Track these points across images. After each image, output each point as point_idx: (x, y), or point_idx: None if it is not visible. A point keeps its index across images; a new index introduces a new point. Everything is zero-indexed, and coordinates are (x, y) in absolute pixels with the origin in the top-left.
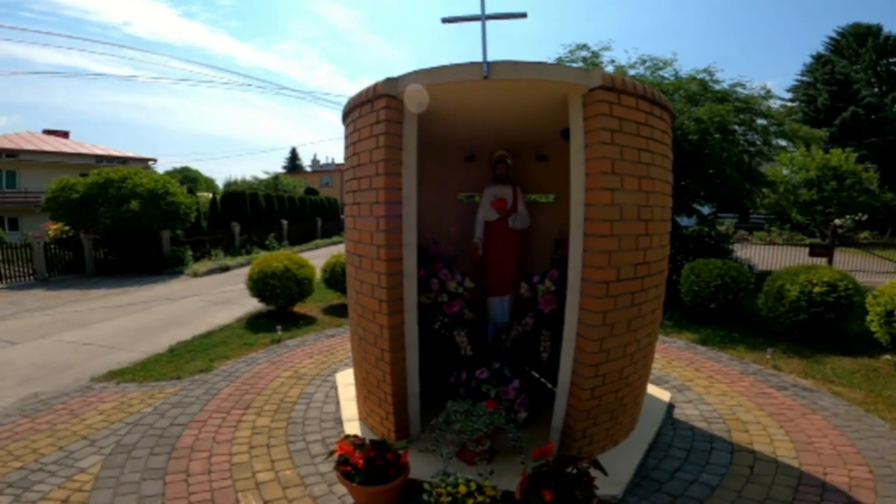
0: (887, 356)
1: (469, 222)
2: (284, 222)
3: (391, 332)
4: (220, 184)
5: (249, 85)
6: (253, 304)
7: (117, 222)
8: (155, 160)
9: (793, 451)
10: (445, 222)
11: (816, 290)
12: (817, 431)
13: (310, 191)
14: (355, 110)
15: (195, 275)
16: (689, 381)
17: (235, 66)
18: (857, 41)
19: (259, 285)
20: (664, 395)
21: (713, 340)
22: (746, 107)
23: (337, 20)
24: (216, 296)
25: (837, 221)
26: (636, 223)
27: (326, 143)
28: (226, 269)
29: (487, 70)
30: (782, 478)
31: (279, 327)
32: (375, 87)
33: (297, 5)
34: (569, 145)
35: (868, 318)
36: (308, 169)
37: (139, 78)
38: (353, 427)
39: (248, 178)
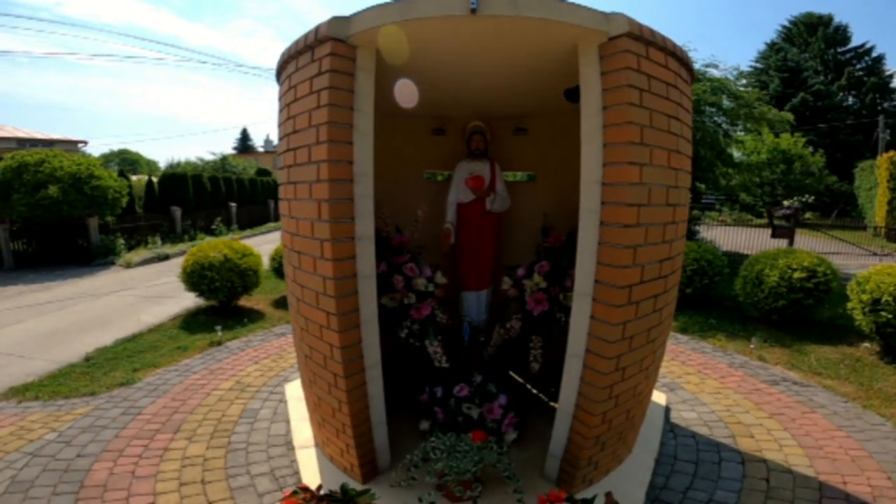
0: (866, 344)
1: (437, 205)
2: (233, 205)
3: (345, 352)
4: (163, 166)
5: (207, 62)
6: (192, 299)
7: (34, 210)
8: (85, 142)
9: (805, 459)
10: (409, 205)
11: (797, 275)
12: (823, 433)
13: (262, 172)
14: (291, 62)
15: (128, 265)
16: (679, 378)
17: (182, 46)
18: (808, 30)
19: (194, 278)
20: (660, 398)
21: (693, 328)
22: (721, 87)
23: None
24: (150, 289)
25: (786, 203)
26: (664, 209)
27: None
28: (164, 257)
29: (476, 1)
30: (803, 491)
31: (219, 327)
32: (318, 29)
33: None
34: (557, 116)
35: (850, 305)
36: (260, 149)
37: (74, 57)
38: (307, 457)
39: (193, 159)
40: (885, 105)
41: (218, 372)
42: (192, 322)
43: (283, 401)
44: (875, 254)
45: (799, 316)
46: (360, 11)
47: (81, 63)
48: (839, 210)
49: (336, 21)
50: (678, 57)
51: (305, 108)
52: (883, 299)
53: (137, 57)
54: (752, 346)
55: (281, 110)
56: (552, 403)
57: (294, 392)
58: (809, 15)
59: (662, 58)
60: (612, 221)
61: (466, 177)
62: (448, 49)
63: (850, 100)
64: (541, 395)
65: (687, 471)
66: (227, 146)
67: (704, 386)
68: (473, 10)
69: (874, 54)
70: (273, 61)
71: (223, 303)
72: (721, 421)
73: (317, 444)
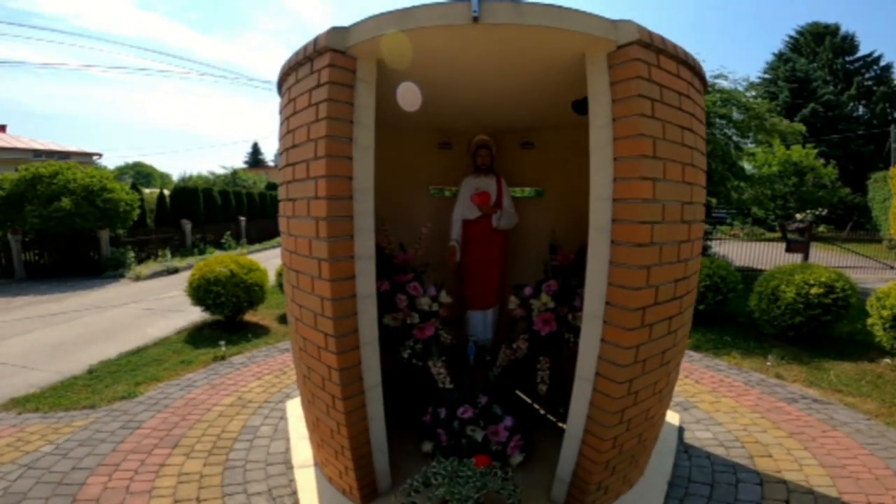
0: (887, 360)
1: (443, 221)
2: (242, 219)
3: (343, 374)
4: (176, 180)
5: (223, 76)
6: (198, 313)
7: (47, 221)
8: (100, 155)
9: (827, 479)
10: (413, 221)
11: (814, 291)
12: (845, 452)
13: (272, 186)
14: (290, 74)
15: (137, 278)
16: (693, 397)
17: (196, 59)
18: (815, 40)
19: (200, 293)
20: (673, 418)
21: (706, 346)
22: (730, 98)
23: (305, 13)
24: (158, 302)
25: (798, 216)
26: (679, 226)
27: None
28: (174, 271)
29: (478, 8)
30: None
31: (223, 342)
32: (316, 40)
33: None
34: (566, 129)
35: (870, 320)
36: (271, 163)
37: (92, 70)
38: (306, 477)
39: (205, 173)
40: None
41: (220, 387)
42: (197, 336)
43: (284, 418)
44: (892, 267)
45: (816, 332)
46: (359, 21)
47: (99, 75)
48: (853, 223)
49: (334, 31)
50: (690, 65)
51: (304, 122)
52: None
53: (148, 70)
54: (768, 363)
55: (281, 124)
56: (560, 424)
57: (295, 409)
58: (816, 24)
59: (674, 66)
60: (624, 240)
61: (472, 193)
62: (450, 59)
63: (861, 110)
64: (548, 415)
65: (702, 493)
66: (238, 160)
67: (720, 405)
68: (475, 19)
69: (882, 63)
70: None
71: (228, 317)
72: (738, 440)
73: (316, 464)
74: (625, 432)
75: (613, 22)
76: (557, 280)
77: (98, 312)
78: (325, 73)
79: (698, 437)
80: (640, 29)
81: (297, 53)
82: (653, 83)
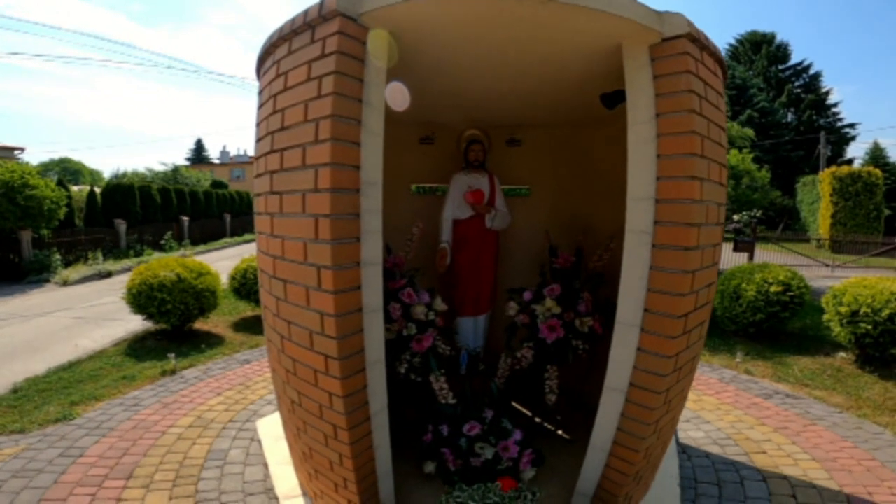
0: (842, 354)
1: (429, 220)
2: (185, 219)
3: (348, 401)
4: (107, 176)
5: (169, 67)
6: (139, 322)
7: None
8: (22, 149)
9: (824, 472)
10: (397, 221)
11: (773, 289)
12: (831, 445)
13: (217, 184)
14: (281, 45)
15: (65, 283)
16: None
17: (137, 50)
18: (752, 48)
19: (142, 300)
20: None
21: None
22: None
23: (259, 8)
24: (90, 310)
25: (735, 217)
26: (715, 228)
27: (237, 134)
28: (107, 275)
29: None
30: None
31: (172, 354)
32: (322, 3)
33: None
34: (554, 128)
35: (826, 317)
36: (216, 161)
37: (17, 60)
38: None
39: (142, 169)
40: (822, 122)
41: (174, 406)
42: (139, 348)
43: (255, 439)
44: (828, 265)
45: (774, 328)
46: None
47: (24, 66)
48: (784, 224)
49: None
50: (722, 64)
51: (300, 99)
52: (861, 311)
53: (80, 59)
54: (737, 360)
55: (262, 105)
56: (559, 432)
57: (270, 430)
58: (754, 33)
59: (713, 64)
60: (670, 243)
61: (465, 190)
62: (466, 39)
63: (790, 116)
64: (545, 423)
65: (711, 493)
66: (179, 157)
67: (703, 403)
68: None
69: (812, 71)
70: (234, 71)
71: (176, 326)
72: (730, 438)
73: (305, 494)
74: (656, 441)
75: (659, 14)
76: (560, 283)
77: (20, 322)
78: (332, 41)
79: (691, 436)
80: (690, 23)
81: (291, 21)
82: (699, 80)
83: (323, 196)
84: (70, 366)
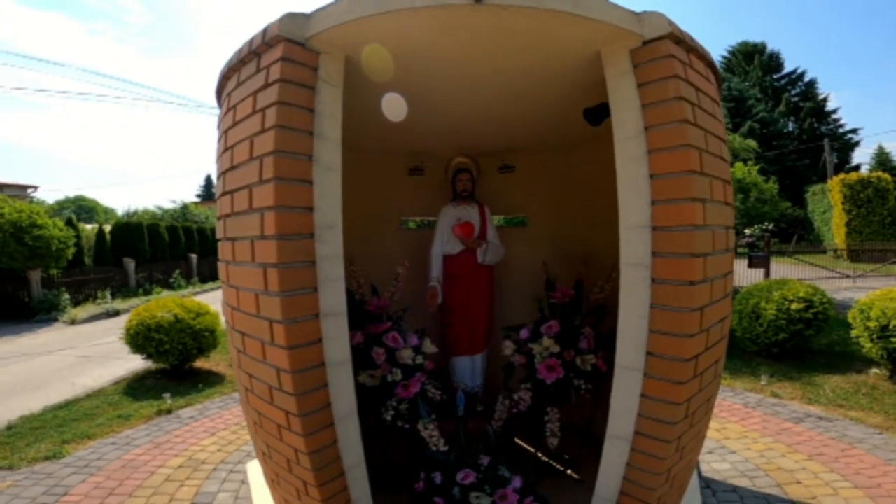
0: (875, 370)
1: (419, 256)
2: (194, 256)
3: (315, 458)
4: (120, 214)
5: (172, 102)
6: (140, 361)
7: None
8: (35, 187)
9: (868, 501)
10: (385, 258)
11: (794, 306)
12: (874, 470)
13: None
14: (232, 76)
15: (73, 321)
16: None
17: (146, 86)
18: (745, 59)
19: (139, 341)
20: None
21: None
22: None
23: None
24: (95, 349)
25: (747, 231)
26: (724, 256)
27: None
28: (115, 313)
29: None
30: None
31: (167, 394)
32: (266, 29)
33: (218, 24)
34: (548, 151)
35: (854, 332)
36: None
37: (33, 97)
38: None
39: (152, 207)
40: (824, 129)
41: (165, 445)
42: (138, 387)
43: (245, 482)
44: (849, 276)
45: (799, 347)
46: (326, 5)
47: (38, 102)
48: (798, 235)
49: (290, 18)
50: (714, 69)
51: (247, 134)
52: (891, 325)
53: (88, 95)
54: (762, 382)
55: (218, 140)
56: (569, 472)
57: (260, 473)
58: (745, 44)
59: (703, 68)
60: (671, 278)
61: (453, 223)
62: (433, 58)
63: (791, 126)
64: (552, 462)
65: None
66: (190, 193)
67: (727, 431)
68: (479, 0)
69: (806, 79)
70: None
71: (175, 366)
72: (759, 469)
73: None
74: (668, 490)
75: (637, 14)
76: (558, 320)
77: (25, 360)
78: (275, 69)
79: (715, 468)
80: (671, 22)
81: (239, 50)
82: (690, 85)
83: (269, 244)
84: (67, 404)
